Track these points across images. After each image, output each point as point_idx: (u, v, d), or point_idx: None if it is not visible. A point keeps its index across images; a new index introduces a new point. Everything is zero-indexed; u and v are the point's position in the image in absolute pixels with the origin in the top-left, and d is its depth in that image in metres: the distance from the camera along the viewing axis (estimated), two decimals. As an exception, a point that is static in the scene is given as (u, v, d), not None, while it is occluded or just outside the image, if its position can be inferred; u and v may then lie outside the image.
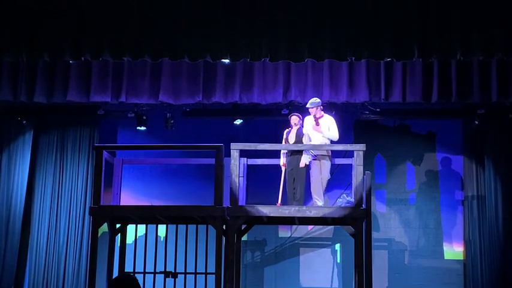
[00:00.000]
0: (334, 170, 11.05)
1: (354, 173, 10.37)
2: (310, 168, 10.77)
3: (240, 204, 10.40)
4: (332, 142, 10.89)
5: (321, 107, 11.02)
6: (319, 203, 10.58)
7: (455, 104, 12.44)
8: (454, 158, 13.44)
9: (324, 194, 10.76)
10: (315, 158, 10.76)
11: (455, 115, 13.11)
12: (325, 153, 10.75)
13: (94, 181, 10.75)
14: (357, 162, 10.23)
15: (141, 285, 10.76)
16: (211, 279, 10.31)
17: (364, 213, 10.16)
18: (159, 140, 13.01)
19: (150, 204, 11.88)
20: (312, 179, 10.76)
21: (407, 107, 12.72)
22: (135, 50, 10.35)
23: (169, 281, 10.79)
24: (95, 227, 10.48)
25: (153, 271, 10.87)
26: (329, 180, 10.80)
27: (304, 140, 10.89)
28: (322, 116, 10.94)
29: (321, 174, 10.69)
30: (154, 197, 12.88)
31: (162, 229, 11.32)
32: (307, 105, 10.99)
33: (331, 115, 11.34)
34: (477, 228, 12.87)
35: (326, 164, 10.76)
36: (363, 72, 11.91)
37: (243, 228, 11.10)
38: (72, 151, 13.32)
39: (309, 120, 10.99)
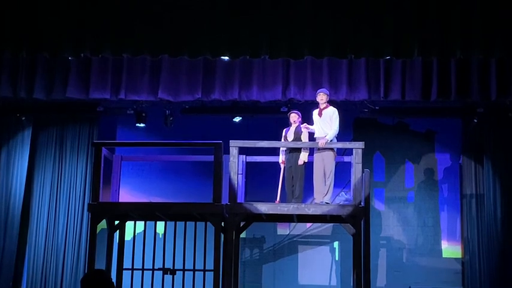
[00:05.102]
0: (337, 163, 10.88)
1: (352, 170, 10.37)
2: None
3: (238, 201, 10.41)
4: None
5: (328, 97, 10.95)
6: (320, 198, 10.53)
7: (455, 103, 12.45)
8: (453, 156, 13.45)
9: (329, 189, 10.47)
10: (317, 150, 10.62)
11: (455, 114, 13.10)
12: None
13: (93, 178, 10.76)
14: (355, 160, 10.23)
15: (140, 282, 10.83)
16: (210, 276, 10.31)
17: (363, 211, 10.16)
18: (158, 137, 12.99)
19: (149, 201, 11.88)
20: (314, 172, 10.64)
21: (407, 105, 12.71)
22: (135, 47, 10.36)
23: (168, 277, 10.79)
24: (94, 223, 10.48)
25: (151, 268, 10.87)
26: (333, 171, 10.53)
27: (303, 138, 10.87)
28: (327, 107, 10.88)
29: (323, 166, 10.56)
30: (153, 194, 12.88)
31: (160, 226, 11.31)
32: (318, 91, 10.94)
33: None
34: (476, 227, 12.87)
35: (328, 155, 10.56)
36: (362, 70, 11.92)
37: (241, 225, 11.10)
38: (71, 148, 13.29)
39: (315, 113, 10.92)
